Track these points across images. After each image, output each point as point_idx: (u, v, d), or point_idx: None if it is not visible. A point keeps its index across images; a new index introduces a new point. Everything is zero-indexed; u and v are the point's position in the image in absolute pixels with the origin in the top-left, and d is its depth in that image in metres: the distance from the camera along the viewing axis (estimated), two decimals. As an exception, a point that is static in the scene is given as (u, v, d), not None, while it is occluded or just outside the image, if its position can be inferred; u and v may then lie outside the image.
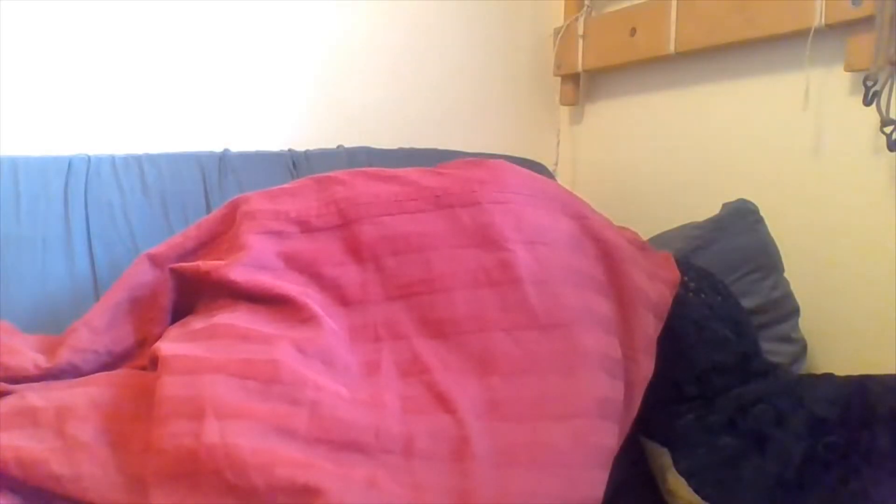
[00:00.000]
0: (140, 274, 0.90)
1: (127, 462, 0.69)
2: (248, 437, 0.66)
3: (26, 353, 0.83)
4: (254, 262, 0.84)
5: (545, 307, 0.79)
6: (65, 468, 0.67)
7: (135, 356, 0.87)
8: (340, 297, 0.84)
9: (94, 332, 0.86)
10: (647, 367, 0.82)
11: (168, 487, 0.65)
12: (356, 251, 0.85)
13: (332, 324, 0.80)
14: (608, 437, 0.74)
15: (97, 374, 0.82)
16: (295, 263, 0.85)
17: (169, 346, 0.77)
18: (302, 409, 0.70)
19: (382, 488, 0.66)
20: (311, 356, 0.75)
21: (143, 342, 0.88)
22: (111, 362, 0.86)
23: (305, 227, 0.88)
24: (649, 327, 0.84)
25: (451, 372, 0.76)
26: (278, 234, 0.87)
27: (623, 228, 1.00)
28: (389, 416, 0.72)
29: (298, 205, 0.89)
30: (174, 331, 0.83)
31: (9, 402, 0.75)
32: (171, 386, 0.70)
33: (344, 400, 0.72)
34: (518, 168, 0.96)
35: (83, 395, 0.76)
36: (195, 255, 0.92)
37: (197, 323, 0.82)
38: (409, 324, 0.81)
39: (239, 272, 0.83)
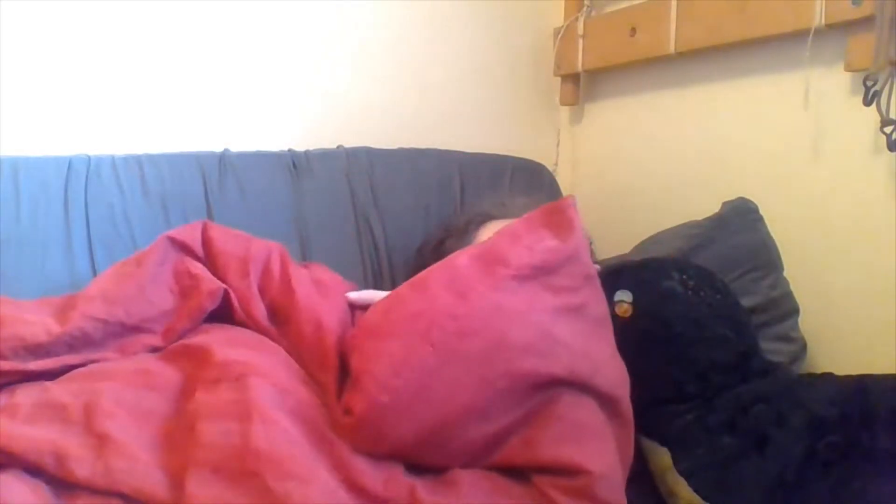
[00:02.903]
0: (171, 260, 0.95)
1: (159, 456, 0.71)
2: (288, 447, 0.69)
3: (37, 322, 0.85)
4: None
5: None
6: (97, 465, 0.69)
7: (145, 331, 0.90)
8: None
9: (109, 302, 0.88)
10: (613, 374, 0.81)
11: (208, 479, 0.67)
12: None
13: None
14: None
15: (117, 367, 0.83)
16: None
17: (222, 350, 0.81)
18: (330, 444, 0.74)
19: None
20: None
21: (167, 327, 0.91)
22: (120, 332, 0.88)
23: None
24: (580, 334, 0.81)
25: None
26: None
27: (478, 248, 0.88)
28: None
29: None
30: (219, 333, 0.88)
31: (31, 392, 0.77)
32: (224, 391, 0.75)
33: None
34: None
35: (109, 390, 0.77)
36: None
37: (247, 335, 0.89)
38: None
39: None
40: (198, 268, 0.94)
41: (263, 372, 0.77)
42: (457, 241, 1.10)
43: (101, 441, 0.70)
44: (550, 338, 0.78)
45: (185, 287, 0.93)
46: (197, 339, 0.86)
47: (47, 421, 0.72)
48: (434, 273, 0.83)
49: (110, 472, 0.68)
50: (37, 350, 0.82)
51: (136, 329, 0.89)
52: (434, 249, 1.14)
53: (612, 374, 0.81)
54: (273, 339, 0.90)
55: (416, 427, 0.74)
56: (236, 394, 0.74)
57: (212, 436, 0.70)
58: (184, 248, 0.96)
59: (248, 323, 0.92)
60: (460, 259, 0.83)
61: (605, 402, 0.79)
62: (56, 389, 0.77)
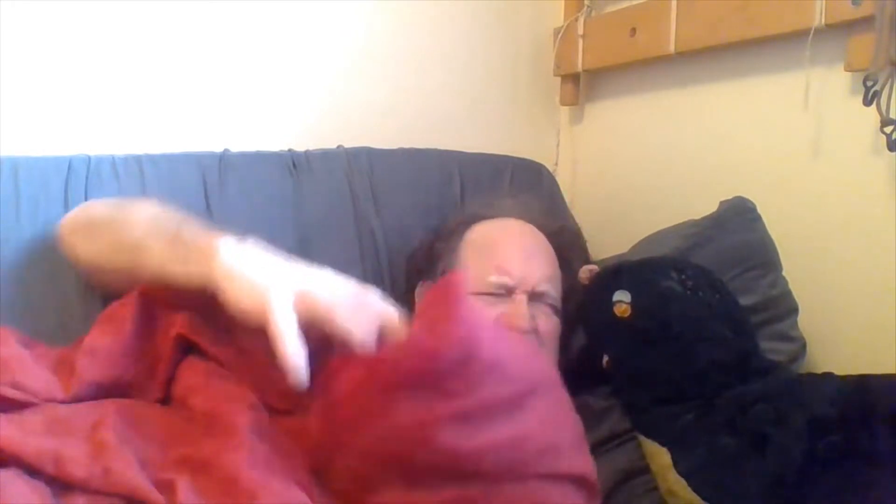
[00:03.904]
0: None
1: (152, 464, 0.71)
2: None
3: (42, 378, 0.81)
4: None
5: None
6: (94, 467, 0.69)
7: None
8: None
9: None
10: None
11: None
12: None
13: None
14: None
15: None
16: None
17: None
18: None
19: None
20: None
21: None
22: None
23: None
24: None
25: None
26: None
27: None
28: None
29: None
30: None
31: (42, 412, 0.76)
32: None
33: None
34: None
35: (113, 405, 0.78)
36: None
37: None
38: None
39: None
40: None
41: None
42: (445, 243, 1.10)
43: (100, 446, 0.70)
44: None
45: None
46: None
47: (49, 434, 0.73)
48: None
49: (108, 472, 0.68)
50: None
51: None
52: (425, 254, 1.14)
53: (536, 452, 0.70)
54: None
55: None
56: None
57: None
58: None
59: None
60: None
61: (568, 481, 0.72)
62: (62, 409, 0.77)
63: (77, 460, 0.69)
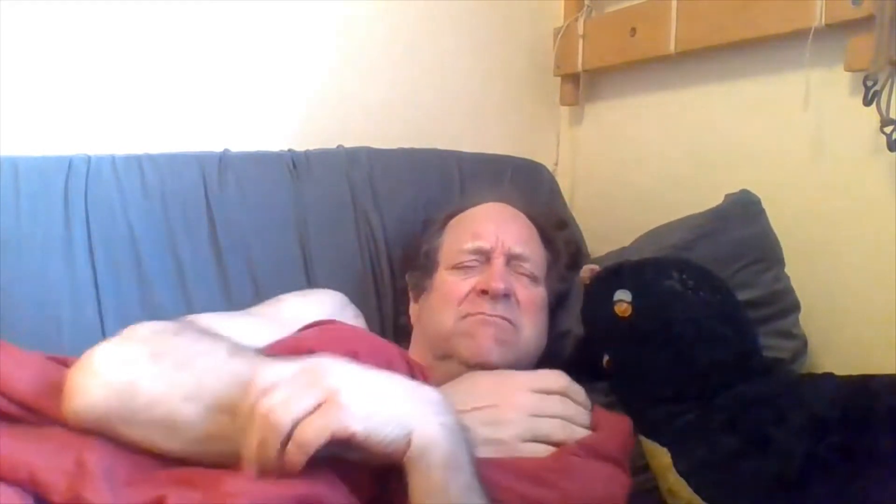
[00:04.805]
0: None
1: (137, 483, 0.69)
2: None
3: None
4: None
5: None
6: (68, 493, 0.66)
7: None
8: None
9: None
10: None
11: None
12: None
13: None
14: None
15: None
16: None
17: None
18: None
19: None
20: None
21: None
22: None
23: None
24: None
25: None
26: None
27: None
28: None
29: None
30: None
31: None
32: None
33: None
34: None
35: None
36: None
37: None
38: None
39: None
40: None
41: None
42: (429, 234, 1.12)
43: (78, 468, 0.67)
44: None
45: None
46: None
47: (33, 442, 0.70)
48: None
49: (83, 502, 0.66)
50: None
51: None
52: (412, 246, 1.16)
53: None
54: None
55: None
56: None
57: None
58: None
59: None
60: None
61: None
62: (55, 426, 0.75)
63: (51, 484, 0.66)
